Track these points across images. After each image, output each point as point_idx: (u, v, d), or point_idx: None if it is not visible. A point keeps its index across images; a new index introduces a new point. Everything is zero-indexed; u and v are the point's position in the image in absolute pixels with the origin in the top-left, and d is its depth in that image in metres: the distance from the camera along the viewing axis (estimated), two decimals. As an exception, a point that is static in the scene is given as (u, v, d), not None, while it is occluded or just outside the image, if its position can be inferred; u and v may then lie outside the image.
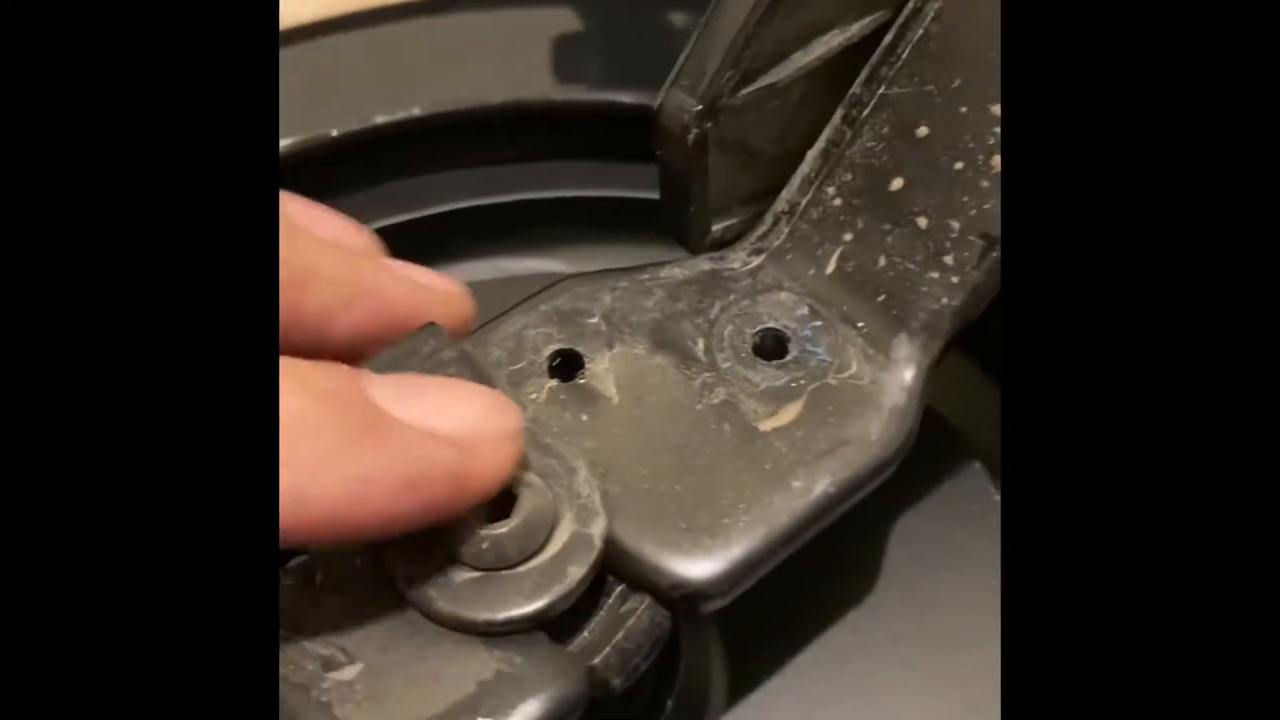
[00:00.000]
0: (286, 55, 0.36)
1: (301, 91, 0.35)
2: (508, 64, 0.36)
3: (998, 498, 0.26)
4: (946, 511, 0.26)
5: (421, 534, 0.20)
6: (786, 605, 0.24)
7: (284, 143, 0.34)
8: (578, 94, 0.34)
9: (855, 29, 0.23)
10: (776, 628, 0.25)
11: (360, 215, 0.35)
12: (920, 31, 0.23)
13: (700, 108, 0.22)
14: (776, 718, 0.24)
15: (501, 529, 0.20)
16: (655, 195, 0.35)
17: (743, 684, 0.24)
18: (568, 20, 0.37)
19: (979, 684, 0.24)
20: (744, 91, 0.22)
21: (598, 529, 0.20)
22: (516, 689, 0.19)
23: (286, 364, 0.18)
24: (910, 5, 0.23)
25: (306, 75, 0.35)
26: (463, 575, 0.20)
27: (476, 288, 0.35)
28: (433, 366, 0.22)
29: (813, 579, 0.25)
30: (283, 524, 0.17)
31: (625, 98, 0.34)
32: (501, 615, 0.19)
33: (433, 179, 0.35)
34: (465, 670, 0.19)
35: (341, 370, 0.19)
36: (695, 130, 0.22)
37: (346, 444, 0.18)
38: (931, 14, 0.22)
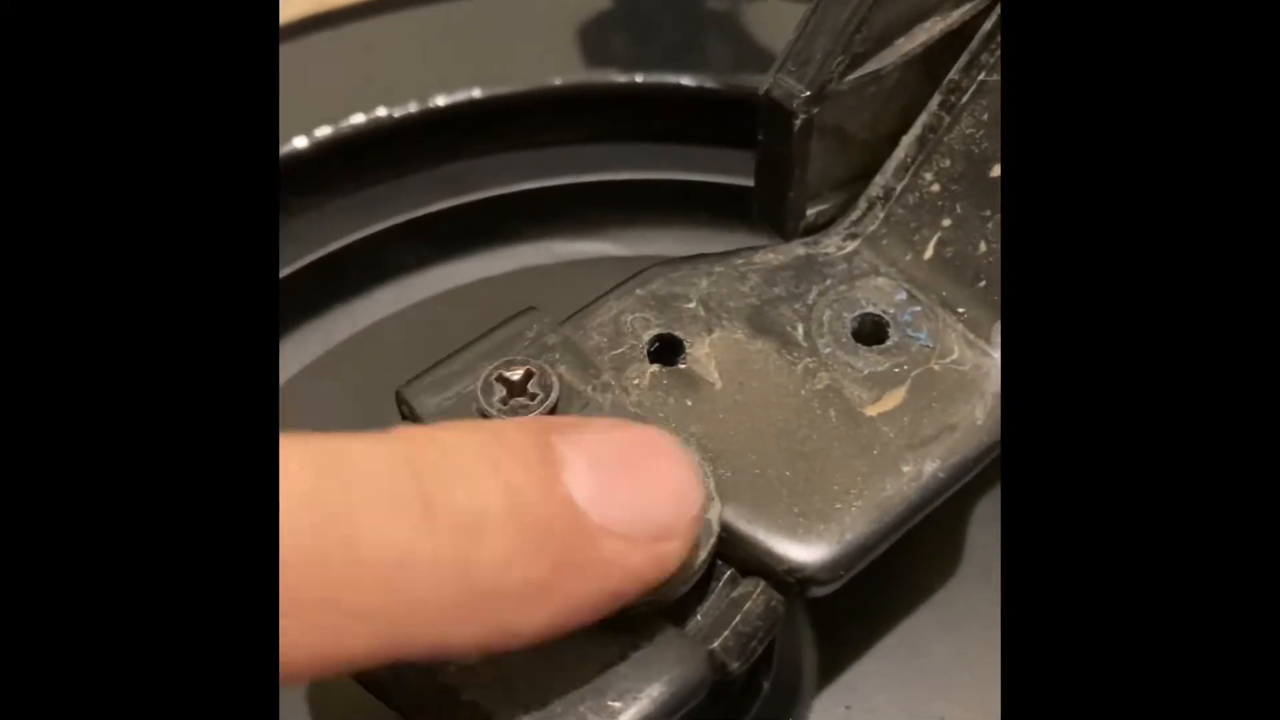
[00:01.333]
0: (339, 35, 0.36)
1: (357, 73, 0.34)
2: (559, 46, 0.36)
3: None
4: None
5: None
6: (871, 587, 0.24)
7: (340, 126, 0.33)
8: (636, 77, 0.34)
9: (956, 15, 0.23)
10: (862, 610, 0.25)
11: (415, 199, 0.35)
12: (1022, 18, 0.23)
13: (809, 93, 0.21)
14: (867, 698, 0.24)
15: None
16: (709, 178, 0.36)
17: (833, 665, 0.25)
18: (615, 3, 0.37)
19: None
20: (850, 78, 0.22)
21: (714, 514, 0.20)
22: (643, 672, 0.19)
23: (485, 457, 0.17)
24: (1011, -8, 0.23)
25: (362, 57, 0.35)
26: (584, 560, 0.20)
27: (532, 272, 0.35)
28: (536, 351, 0.22)
29: (896, 561, 0.25)
30: (489, 644, 0.17)
31: (686, 80, 0.34)
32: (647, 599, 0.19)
33: (487, 161, 0.35)
34: (591, 655, 0.19)
35: (537, 467, 0.17)
36: (803, 116, 0.22)
37: (558, 575, 0.17)
38: (1034, 1, 0.22)
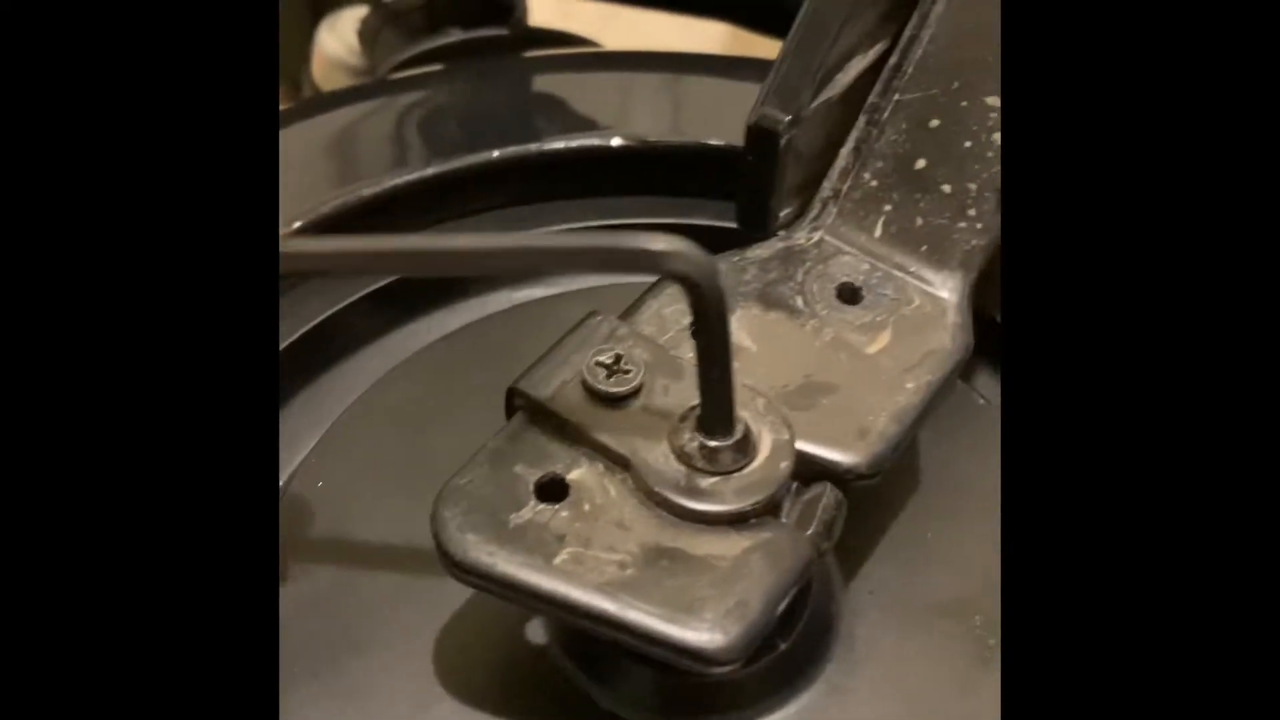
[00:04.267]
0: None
1: (319, 160, 0.38)
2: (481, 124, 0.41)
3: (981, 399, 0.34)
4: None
5: (661, 451, 0.25)
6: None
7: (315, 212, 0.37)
8: (557, 144, 0.40)
9: (872, 54, 0.30)
10: (869, 510, 0.31)
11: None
12: (920, 51, 0.30)
13: (789, 118, 0.28)
14: (885, 583, 0.30)
15: (728, 441, 0.25)
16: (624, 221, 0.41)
17: (854, 560, 0.30)
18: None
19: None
20: (812, 105, 0.28)
21: (788, 435, 0.26)
22: (776, 552, 0.24)
23: None
24: (908, 32, 0.30)
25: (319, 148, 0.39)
26: (707, 481, 0.25)
27: (495, 317, 0.39)
28: (614, 342, 0.27)
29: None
30: None
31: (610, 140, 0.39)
32: (749, 503, 0.25)
33: (437, 230, 0.40)
34: (729, 549, 0.24)
35: None
36: (786, 137, 0.28)
37: None
38: (927, 37, 0.30)
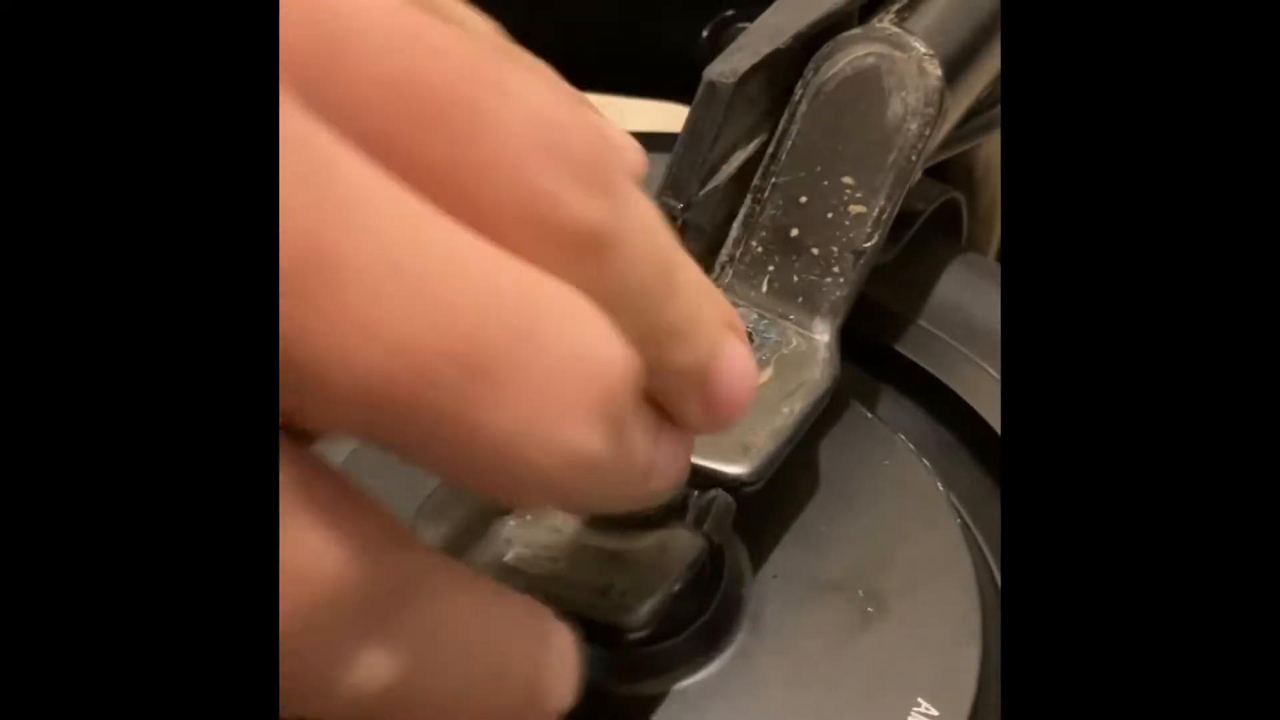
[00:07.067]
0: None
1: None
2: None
3: (870, 415, 0.40)
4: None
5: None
6: (776, 489, 0.36)
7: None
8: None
9: (751, 147, 0.36)
10: (771, 510, 0.37)
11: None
12: (789, 143, 0.36)
13: (681, 204, 0.34)
14: (788, 567, 0.36)
15: None
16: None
17: (760, 550, 0.37)
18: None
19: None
20: (702, 192, 0.35)
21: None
22: (679, 547, 0.31)
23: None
24: (780, 127, 0.36)
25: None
26: (621, 493, 0.31)
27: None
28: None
29: (781, 481, 0.37)
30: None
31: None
32: (652, 507, 0.31)
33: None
34: (637, 544, 0.31)
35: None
36: (680, 219, 0.35)
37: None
38: (794, 131, 0.36)
